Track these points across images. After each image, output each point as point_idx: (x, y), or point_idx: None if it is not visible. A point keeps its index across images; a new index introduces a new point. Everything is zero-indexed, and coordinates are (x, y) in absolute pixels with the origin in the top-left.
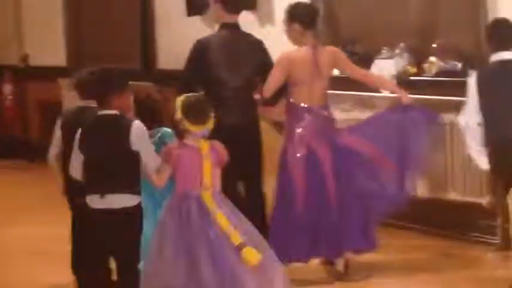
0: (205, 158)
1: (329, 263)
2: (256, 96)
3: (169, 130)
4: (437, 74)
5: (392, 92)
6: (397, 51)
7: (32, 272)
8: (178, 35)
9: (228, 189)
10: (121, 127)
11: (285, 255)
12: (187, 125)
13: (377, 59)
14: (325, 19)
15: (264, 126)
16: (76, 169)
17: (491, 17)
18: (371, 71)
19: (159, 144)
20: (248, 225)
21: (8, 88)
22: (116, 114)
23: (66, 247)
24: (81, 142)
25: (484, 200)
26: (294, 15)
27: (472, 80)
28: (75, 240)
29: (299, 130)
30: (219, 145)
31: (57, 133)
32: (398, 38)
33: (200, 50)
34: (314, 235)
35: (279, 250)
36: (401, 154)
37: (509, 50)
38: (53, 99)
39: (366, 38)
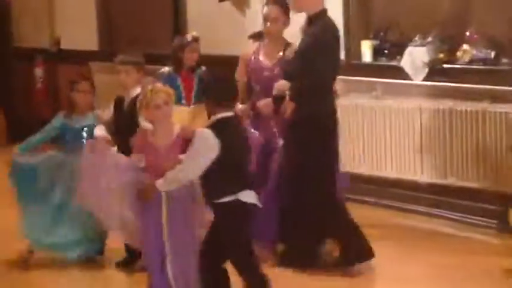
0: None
1: None
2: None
3: None
4: (470, 62)
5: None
6: (430, 38)
7: None
8: (210, 19)
9: None
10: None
11: None
12: None
13: (409, 46)
14: (357, 7)
15: None
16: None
17: None
18: (404, 58)
19: None
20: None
21: (39, 71)
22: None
23: None
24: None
25: None
26: None
27: None
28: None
29: None
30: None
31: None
32: (431, 26)
33: (337, 38)
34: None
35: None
36: None
37: None
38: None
39: (398, 26)
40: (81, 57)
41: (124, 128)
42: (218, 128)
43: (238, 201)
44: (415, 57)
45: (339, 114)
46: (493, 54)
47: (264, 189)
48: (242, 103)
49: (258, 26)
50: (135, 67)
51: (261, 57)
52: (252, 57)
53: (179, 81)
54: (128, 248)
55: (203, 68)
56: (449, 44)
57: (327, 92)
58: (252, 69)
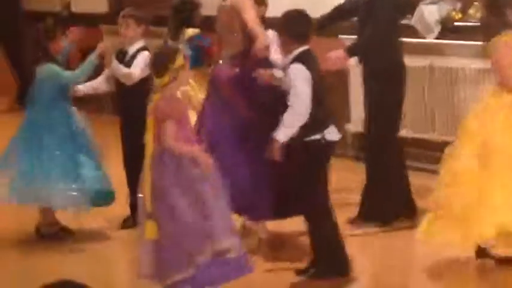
0: (149, 115)
1: None
2: None
3: None
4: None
5: None
6: None
7: None
8: None
9: None
10: None
11: None
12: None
13: (421, 4)
14: None
15: None
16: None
17: None
18: (415, 16)
19: None
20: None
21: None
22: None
23: None
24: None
25: None
26: None
27: None
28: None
29: None
30: (163, 100)
31: None
32: None
33: None
34: None
35: None
36: None
37: None
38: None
39: None
40: (91, 20)
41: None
42: (303, 60)
43: (324, 139)
44: (427, 16)
45: (351, 74)
46: None
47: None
48: None
49: None
50: (135, 20)
51: None
52: None
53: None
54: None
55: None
56: (462, 2)
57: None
58: None
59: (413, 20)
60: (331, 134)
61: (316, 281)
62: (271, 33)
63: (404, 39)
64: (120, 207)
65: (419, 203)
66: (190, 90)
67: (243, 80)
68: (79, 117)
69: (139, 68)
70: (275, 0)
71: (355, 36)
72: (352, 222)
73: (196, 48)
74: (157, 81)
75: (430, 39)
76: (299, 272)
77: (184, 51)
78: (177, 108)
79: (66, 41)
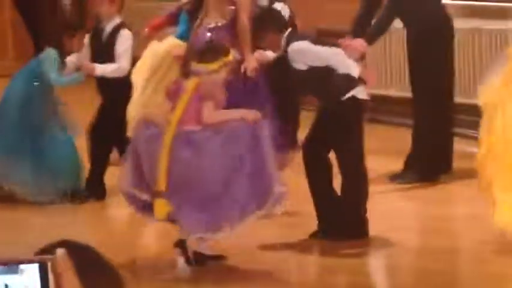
0: (184, 93)
1: None
2: None
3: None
4: None
5: None
6: None
7: None
8: None
9: None
10: None
11: None
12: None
13: None
14: None
15: None
16: None
17: None
18: None
19: None
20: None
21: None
22: None
23: None
24: None
25: None
26: None
27: None
28: None
29: None
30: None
31: None
32: None
33: None
34: None
35: None
36: None
37: None
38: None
39: None
40: None
41: (101, 59)
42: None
43: (355, 97)
44: None
45: None
46: None
47: None
48: None
49: None
50: None
51: None
52: None
53: None
54: None
55: None
56: None
57: None
58: None
59: None
60: (361, 93)
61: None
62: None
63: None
64: None
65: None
66: None
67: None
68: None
69: (126, 58)
70: None
71: None
72: (392, 179)
73: None
74: (199, 66)
75: (448, 1)
76: (313, 235)
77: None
78: (219, 95)
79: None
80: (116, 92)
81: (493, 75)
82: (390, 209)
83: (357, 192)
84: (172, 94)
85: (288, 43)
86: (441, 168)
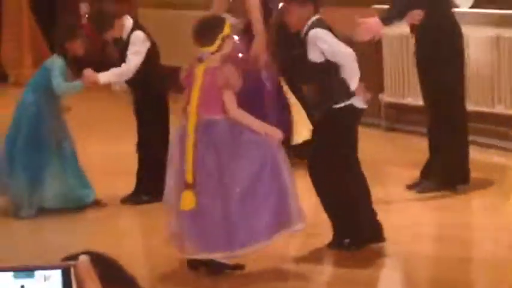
0: (194, 81)
1: None
2: None
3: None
4: None
5: None
6: None
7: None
8: None
9: None
10: None
11: None
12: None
13: None
14: None
15: None
16: None
17: None
18: None
19: None
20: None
21: (84, 6)
22: None
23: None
24: None
25: None
26: None
27: None
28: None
29: None
30: (224, 68)
31: None
32: None
33: None
34: None
35: None
36: None
37: None
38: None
39: None
40: None
41: None
42: (321, 25)
43: (352, 105)
44: None
45: (385, 43)
46: None
47: None
48: None
49: None
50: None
51: None
52: None
53: None
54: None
55: None
56: None
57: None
58: None
59: None
60: (358, 102)
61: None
62: None
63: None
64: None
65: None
66: None
67: None
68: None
69: (134, 60)
70: None
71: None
72: (411, 188)
73: None
74: (203, 50)
75: (465, 9)
76: (330, 245)
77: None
78: (235, 78)
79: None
80: (154, 105)
81: None
82: (407, 217)
83: (356, 197)
84: (186, 81)
85: (311, 27)
86: (458, 178)
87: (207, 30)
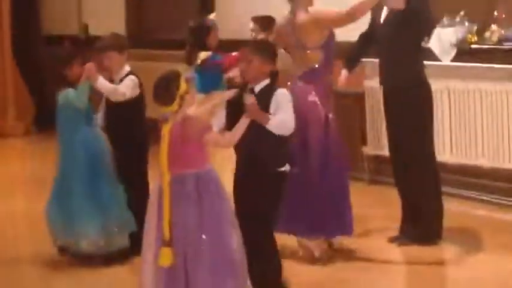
0: (162, 141)
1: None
2: None
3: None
4: (498, 42)
5: None
6: (458, 19)
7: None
8: (237, 4)
9: None
10: None
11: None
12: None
13: (437, 27)
14: None
15: None
16: None
17: None
18: (432, 39)
19: None
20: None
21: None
22: None
23: None
24: None
25: None
26: None
27: None
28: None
29: None
30: (187, 122)
31: None
32: (459, 6)
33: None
34: None
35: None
36: None
37: None
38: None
39: None
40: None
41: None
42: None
43: (286, 171)
44: (443, 39)
45: (366, 95)
46: None
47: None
48: None
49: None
50: (114, 50)
51: None
52: None
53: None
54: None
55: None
56: (478, 25)
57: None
58: None
59: (429, 43)
60: (287, 167)
61: None
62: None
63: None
64: None
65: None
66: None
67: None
68: (102, 140)
69: (127, 87)
70: None
71: (375, 59)
72: (393, 241)
73: (213, 67)
74: (166, 110)
75: (446, 62)
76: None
77: (187, 73)
78: (204, 122)
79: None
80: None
81: None
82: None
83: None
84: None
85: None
86: (436, 231)
87: (164, 91)
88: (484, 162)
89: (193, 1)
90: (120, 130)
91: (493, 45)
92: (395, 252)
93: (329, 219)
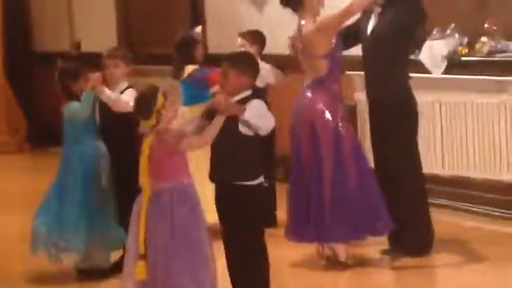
0: (142, 156)
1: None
2: None
3: None
4: (489, 54)
5: None
6: (448, 31)
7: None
8: (227, 18)
9: None
10: None
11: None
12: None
13: (428, 40)
14: None
15: None
16: None
17: None
18: (422, 52)
19: None
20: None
21: (60, 63)
22: None
23: None
24: None
25: None
26: None
27: None
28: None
29: None
30: (164, 135)
31: None
32: (449, 19)
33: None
34: None
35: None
36: None
37: None
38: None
39: None
40: (101, 59)
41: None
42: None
43: (261, 184)
44: (434, 52)
45: (358, 109)
46: (511, 45)
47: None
48: None
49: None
50: (125, 61)
51: None
52: None
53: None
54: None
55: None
56: (468, 37)
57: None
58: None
59: (420, 56)
60: (262, 180)
61: None
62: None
63: (412, 75)
64: None
65: None
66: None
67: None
68: (102, 154)
69: (128, 96)
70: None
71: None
72: (385, 253)
73: (198, 81)
74: (145, 124)
75: (437, 75)
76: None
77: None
78: (179, 133)
79: (87, 87)
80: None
81: None
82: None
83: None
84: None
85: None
86: (426, 244)
87: (143, 106)
88: (475, 174)
89: (184, 17)
90: (115, 143)
91: (483, 57)
92: (387, 263)
93: (367, 219)
